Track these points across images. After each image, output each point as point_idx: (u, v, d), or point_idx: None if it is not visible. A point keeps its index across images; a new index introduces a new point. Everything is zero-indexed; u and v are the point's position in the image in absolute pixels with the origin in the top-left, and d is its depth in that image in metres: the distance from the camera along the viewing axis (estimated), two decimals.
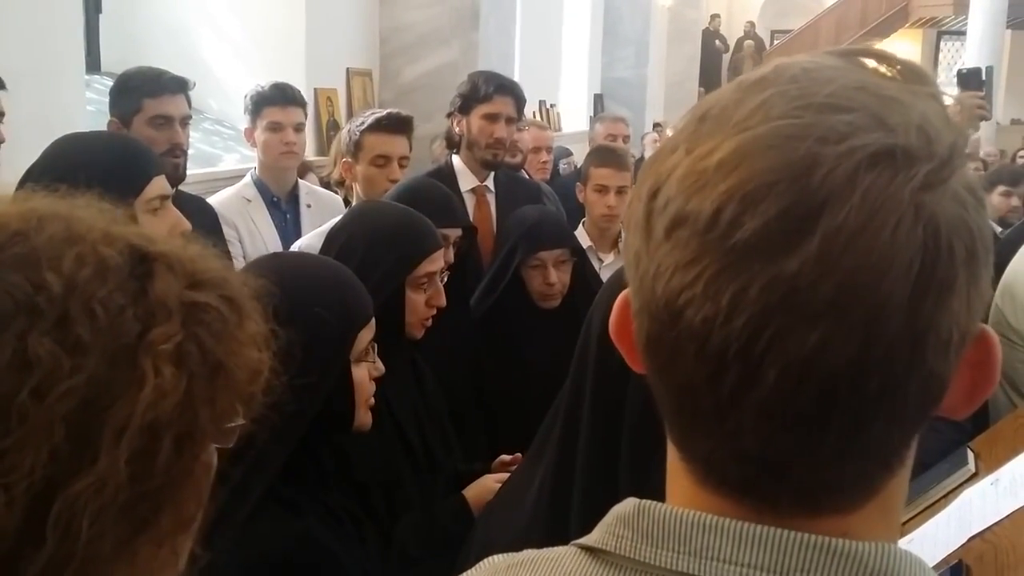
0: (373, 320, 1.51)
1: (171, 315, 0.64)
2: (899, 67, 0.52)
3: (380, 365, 1.53)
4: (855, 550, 0.50)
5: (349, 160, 2.89)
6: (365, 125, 2.85)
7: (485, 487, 1.93)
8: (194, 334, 0.64)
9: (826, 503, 0.51)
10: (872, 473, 0.52)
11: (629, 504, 0.56)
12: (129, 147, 1.81)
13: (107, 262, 0.63)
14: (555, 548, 0.60)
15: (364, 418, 1.50)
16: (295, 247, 2.73)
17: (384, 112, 2.93)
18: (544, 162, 4.78)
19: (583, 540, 0.58)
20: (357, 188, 2.91)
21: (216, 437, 0.68)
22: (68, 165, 1.63)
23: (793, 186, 0.46)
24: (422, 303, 1.93)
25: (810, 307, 0.45)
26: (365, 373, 1.49)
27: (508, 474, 1.95)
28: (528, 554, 0.62)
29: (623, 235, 0.54)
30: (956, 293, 0.47)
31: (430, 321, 1.98)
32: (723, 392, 0.48)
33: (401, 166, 2.87)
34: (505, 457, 2.04)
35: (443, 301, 1.98)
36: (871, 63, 0.53)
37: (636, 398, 1.11)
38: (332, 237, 1.98)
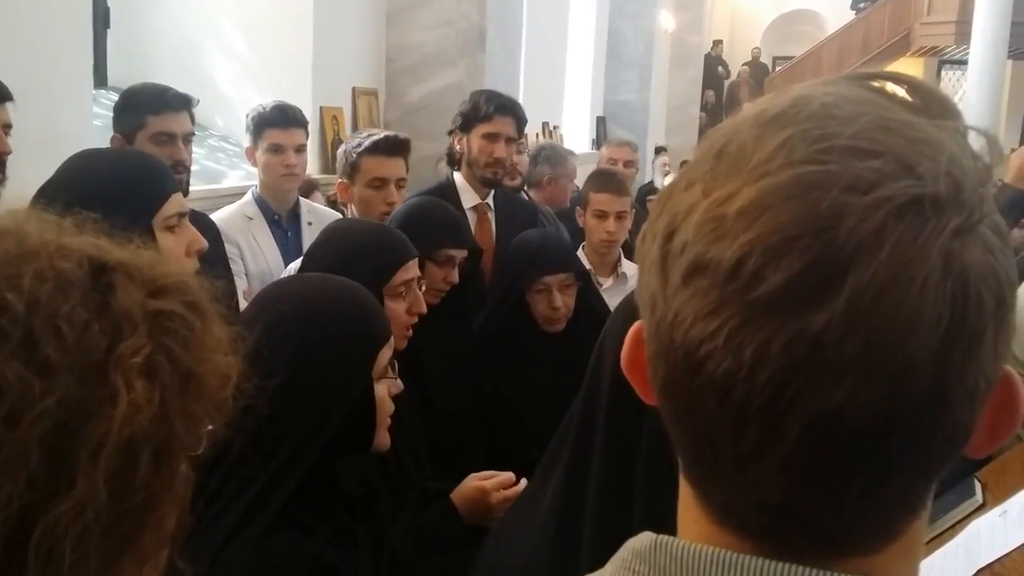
0: (392, 338, 1.51)
1: (137, 326, 0.62)
2: (924, 97, 0.51)
3: (399, 382, 1.53)
4: None
5: (345, 181, 2.86)
6: (362, 147, 2.82)
7: (471, 487, 1.95)
8: (162, 344, 0.63)
9: (848, 547, 0.50)
10: (895, 518, 0.51)
11: (645, 539, 0.55)
12: (146, 164, 1.81)
13: (67, 276, 0.61)
14: None
15: (384, 437, 1.50)
16: (289, 270, 2.72)
17: (382, 134, 2.90)
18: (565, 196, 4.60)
19: (596, 575, 0.57)
20: (353, 209, 2.89)
21: (193, 444, 0.66)
22: (84, 183, 1.62)
23: (818, 240, 0.44)
24: (403, 312, 1.97)
25: (836, 364, 0.44)
26: (385, 390, 1.49)
27: (493, 472, 1.97)
28: None
29: (638, 273, 0.53)
30: (984, 344, 0.46)
31: (411, 331, 2.01)
32: (744, 445, 0.47)
33: (398, 187, 2.84)
34: (476, 475, 2.02)
35: (423, 308, 2.02)
36: (894, 89, 0.51)
37: (653, 424, 1.10)
38: (309, 257, 2.03)
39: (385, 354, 1.48)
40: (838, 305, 0.44)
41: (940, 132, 0.48)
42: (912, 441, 0.46)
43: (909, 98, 0.50)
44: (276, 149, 3.11)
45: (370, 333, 1.47)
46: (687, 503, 0.55)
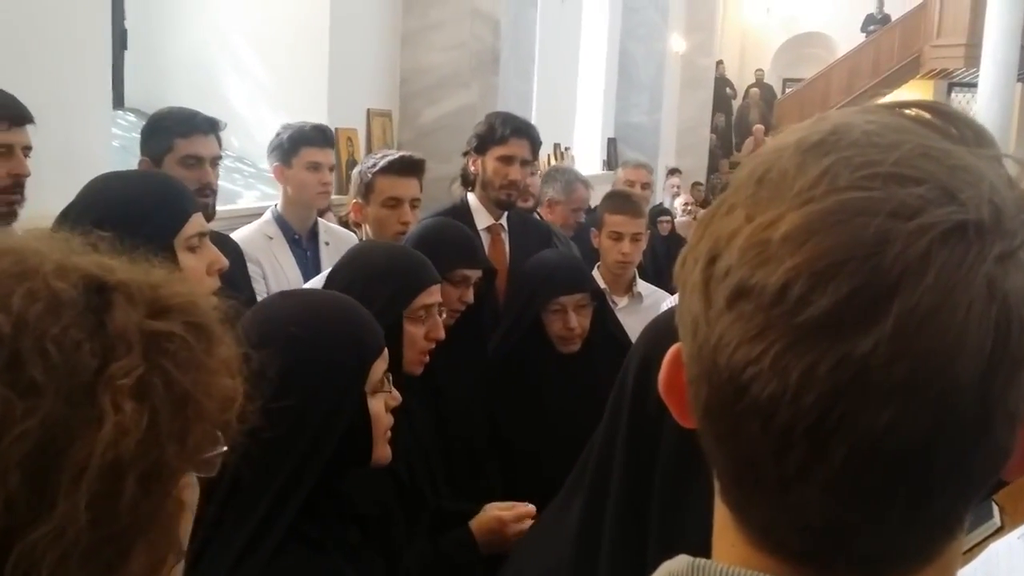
0: (386, 351, 1.50)
1: (131, 347, 0.61)
2: (959, 126, 0.51)
3: (397, 394, 1.52)
4: None
5: (360, 201, 2.89)
6: (377, 167, 2.85)
7: (490, 516, 1.94)
8: (158, 365, 0.62)
9: (887, 568, 0.51)
10: (935, 539, 0.51)
11: (682, 561, 0.55)
12: (167, 186, 1.83)
13: (60, 296, 0.60)
14: None
15: (383, 451, 1.48)
16: (309, 286, 2.73)
17: (396, 154, 2.93)
18: (576, 221, 4.60)
19: None
20: (367, 229, 2.91)
21: (197, 467, 0.66)
22: (107, 205, 1.65)
23: (865, 265, 0.45)
24: (421, 336, 1.96)
25: (882, 387, 0.45)
26: (382, 404, 1.47)
27: (512, 502, 1.97)
28: None
29: (678, 297, 0.54)
30: None
31: (428, 357, 2.00)
32: (788, 467, 0.48)
33: (413, 207, 2.87)
34: (496, 505, 2.02)
35: (442, 334, 2.01)
36: (929, 117, 0.52)
37: (670, 448, 1.10)
38: (331, 278, 2.03)
39: (379, 367, 1.46)
40: (885, 329, 0.44)
41: (978, 160, 0.49)
42: (954, 463, 0.47)
43: (944, 127, 0.51)
44: (315, 167, 3.17)
45: (360, 347, 1.45)
46: (723, 525, 0.55)
